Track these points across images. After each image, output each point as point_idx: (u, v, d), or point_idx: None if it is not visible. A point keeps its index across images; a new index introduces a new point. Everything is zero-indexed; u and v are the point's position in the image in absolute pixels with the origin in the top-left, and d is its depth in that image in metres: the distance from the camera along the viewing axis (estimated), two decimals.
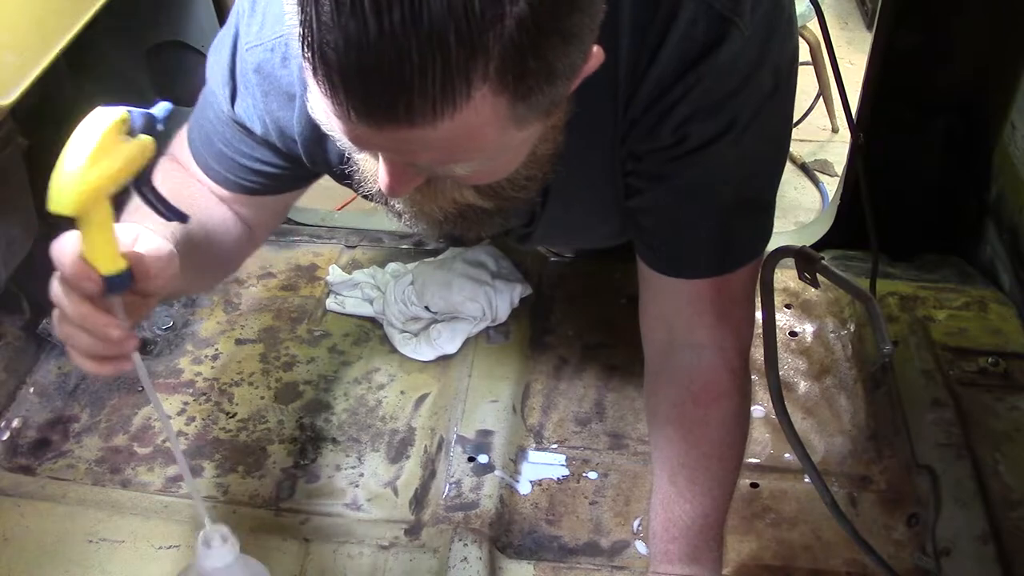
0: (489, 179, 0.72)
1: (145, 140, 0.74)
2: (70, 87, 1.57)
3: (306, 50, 0.57)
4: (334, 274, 1.54)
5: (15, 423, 1.33)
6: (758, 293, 0.97)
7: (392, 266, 1.54)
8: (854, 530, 0.98)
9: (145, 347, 1.46)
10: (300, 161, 0.95)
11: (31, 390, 1.39)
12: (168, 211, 0.75)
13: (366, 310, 1.48)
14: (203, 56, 1.55)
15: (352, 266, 1.59)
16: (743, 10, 0.79)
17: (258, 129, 0.93)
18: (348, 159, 0.78)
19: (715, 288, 0.94)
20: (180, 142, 1.03)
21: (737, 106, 0.82)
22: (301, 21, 0.56)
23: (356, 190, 0.84)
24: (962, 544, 1.06)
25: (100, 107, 0.75)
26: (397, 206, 0.80)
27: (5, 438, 1.31)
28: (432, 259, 1.51)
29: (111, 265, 0.70)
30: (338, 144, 0.72)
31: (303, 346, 1.46)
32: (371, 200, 0.85)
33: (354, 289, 1.51)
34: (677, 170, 0.85)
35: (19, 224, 1.49)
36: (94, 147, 0.72)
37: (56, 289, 0.70)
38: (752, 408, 1.32)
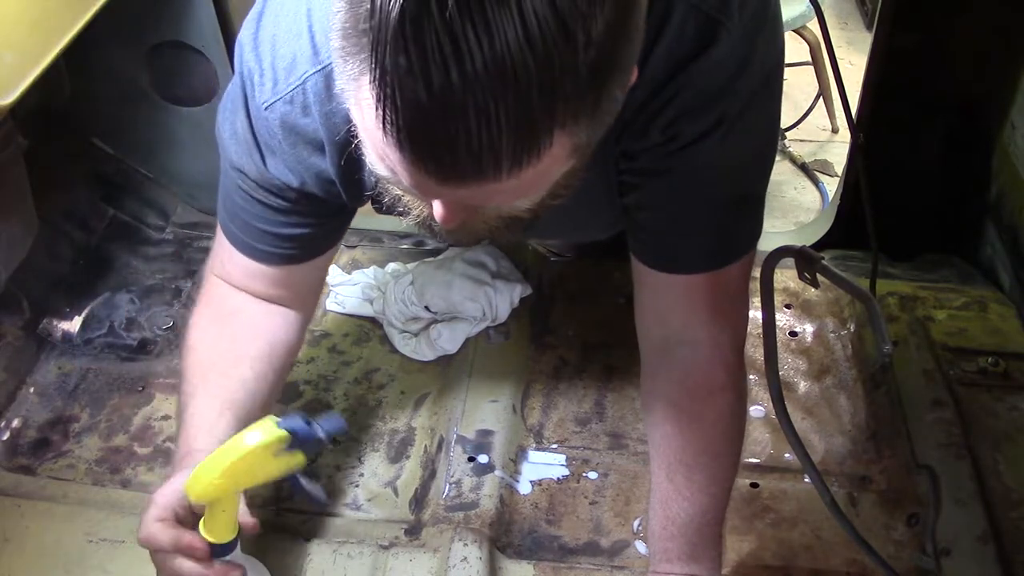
0: (529, 199, 0.71)
1: (298, 458, 0.82)
2: (70, 87, 1.58)
3: (379, 104, 0.55)
4: (334, 274, 1.54)
5: (15, 423, 1.33)
6: (758, 293, 0.97)
7: (392, 266, 1.54)
8: (854, 530, 0.98)
9: (145, 347, 1.46)
10: (336, 208, 0.95)
11: (31, 390, 1.39)
12: (310, 499, 0.90)
13: (366, 310, 1.48)
14: (203, 56, 1.56)
15: (352, 266, 1.59)
16: (731, 11, 0.80)
17: (295, 182, 0.91)
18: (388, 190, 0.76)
19: (709, 283, 0.94)
20: (218, 250, 1.03)
21: (726, 103, 0.83)
22: (372, 69, 0.54)
23: (395, 214, 0.83)
24: (962, 544, 1.07)
25: (273, 419, 0.82)
26: (440, 230, 0.77)
27: (5, 438, 1.31)
28: (432, 259, 1.51)
29: (224, 536, 0.84)
30: (391, 188, 0.72)
31: (303, 346, 1.46)
32: (411, 223, 0.82)
33: (354, 289, 1.51)
34: (669, 166, 0.87)
35: (19, 224, 1.49)
36: (234, 460, 0.80)
37: (159, 539, 0.83)
38: (752, 408, 1.33)
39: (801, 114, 3.34)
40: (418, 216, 0.76)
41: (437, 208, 0.67)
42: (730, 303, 0.98)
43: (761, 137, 0.92)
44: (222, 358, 1.00)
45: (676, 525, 0.99)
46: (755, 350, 1.42)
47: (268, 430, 0.80)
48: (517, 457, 1.25)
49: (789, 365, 1.40)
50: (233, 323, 1.02)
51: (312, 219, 0.97)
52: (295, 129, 0.87)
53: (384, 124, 0.56)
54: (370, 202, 0.96)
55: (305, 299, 1.08)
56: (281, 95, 0.86)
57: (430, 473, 1.24)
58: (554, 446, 1.28)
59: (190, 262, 1.64)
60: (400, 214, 0.79)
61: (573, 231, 1.27)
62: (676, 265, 0.94)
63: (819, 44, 2.97)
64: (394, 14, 0.52)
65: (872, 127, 1.49)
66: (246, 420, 0.92)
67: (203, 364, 0.99)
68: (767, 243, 1.67)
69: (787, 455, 1.26)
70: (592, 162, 0.72)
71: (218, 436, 0.90)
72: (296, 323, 1.07)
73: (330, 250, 1.04)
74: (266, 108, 0.87)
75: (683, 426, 0.98)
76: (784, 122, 3.34)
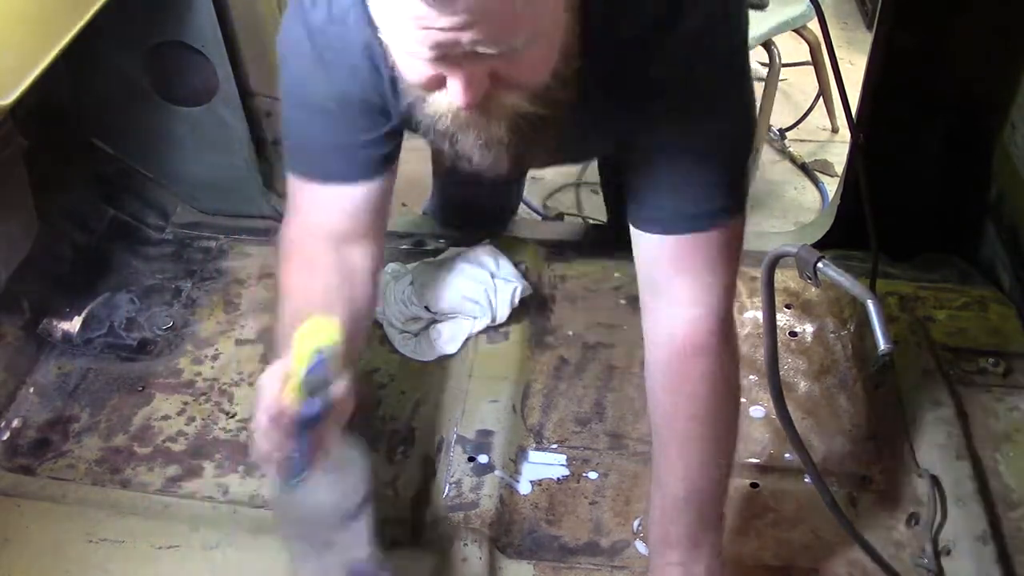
0: (535, 73, 0.79)
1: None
2: (70, 87, 1.58)
3: None
4: None
5: (15, 423, 1.33)
6: (759, 293, 0.97)
7: (392, 266, 1.54)
8: (854, 530, 0.97)
9: (145, 347, 1.46)
10: (393, 124, 1.01)
11: (31, 390, 1.39)
12: None
13: None
14: (203, 56, 1.56)
15: None
16: None
17: (357, 92, 0.97)
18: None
19: (692, 247, 0.98)
20: (292, 208, 1.08)
21: (701, 76, 0.89)
22: None
23: (428, 136, 0.90)
24: (962, 544, 1.06)
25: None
26: (466, 142, 0.85)
27: (5, 438, 1.31)
28: (432, 259, 1.51)
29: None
30: (413, 88, 0.81)
31: None
32: (439, 147, 0.90)
33: None
34: (651, 130, 0.93)
35: (19, 224, 1.50)
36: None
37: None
38: (752, 408, 1.33)
39: (801, 114, 3.34)
40: (444, 114, 0.81)
41: (455, 89, 0.75)
42: (715, 267, 1.00)
43: (738, 112, 0.98)
44: (314, 304, 1.04)
45: (675, 506, 1.01)
46: (755, 350, 1.42)
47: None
48: (517, 457, 1.25)
49: (789, 365, 1.40)
50: (320, 270, 1.06)
51: (375, 131, 1.02)
52: (350, 45, 0.93)
53: None
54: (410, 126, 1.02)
55: (378, 228, 1.11)
56: (334, 17, 0.93)
57: (430, 473, 1.24)
58: (554, 446, 1.28)
59: (190, 262, 1.64)
60: (427, 135, 0.87)
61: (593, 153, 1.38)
62: (661, 226, 0.98)
63: (819, 44, 2.97)
64: None
65: (872, 127, 1.49)
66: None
67: (299, 311, 1.01)
68: (767, 243, 1.68)
69: (787, 455, 1.26)
70: (585, 109, 0.84)
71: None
72: (373, 259, 1.12)
73: (393, 169, 1.08)
74: (321, 24, 0.94)
75: (671, 389, 1.01)
76: (784, 122, 3.35)
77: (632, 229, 1.02)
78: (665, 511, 1.02)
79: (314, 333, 0.87)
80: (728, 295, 1.02)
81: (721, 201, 0.98)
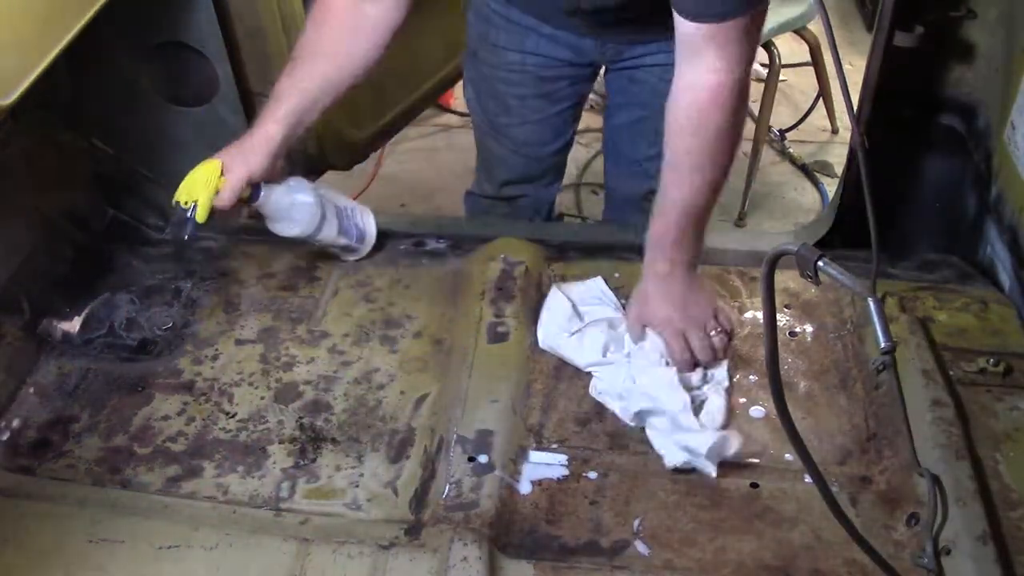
0: None
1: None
2: (71, 87, 1.58)
3: None
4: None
5: (15, 423, 1.33)
6: (759, 294, 0.97)
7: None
8: (854, 530, 0.97)
9: (145, 347, 1.46)
10: None
11: (31, 390, 1.39)
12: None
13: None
14: (203, 56, 1.56)
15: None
16: None
17: None
18: None
19: (719, 29, 1.19)
20: None
21: None
22: None
23: None
24: (962, 544, 1.06)
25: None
26: None
27: (5, 438, 1.31)
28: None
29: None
30: None
31: (303, 346, 1.46)
32: None
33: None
34: None
35: (19, 224, 1.50)
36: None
37: None
38: (752, 408, 1.33)
39: (801, 115, 3.35)
40: None
41: None
42: (740, 43, 1.21)
43: None
44: (308, 51, 1.38)
45: (676, 214, 1.28)
46: (755, 350, 1.42)
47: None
48: (517, 457, 1.25)
49: (789, 365, 1.40)
50: (331, 21, 1.36)
51: None
52: None
53: None
54: None
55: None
56: None
57: (430, 473, 1.24)
58: (554, 446, 1.28)
59: (190, 262, 1.64)
60: None
61: None
62: (692, 14, 1.20)
63: (819, 44, 2.97)
64: None
65: (872, 127, 1.49)
66: (309, 103, 1.38)
67: (294, 54, 1.37)
68: (767, 243, 1.68)
69: (787, 455, 1.25)
70: None
71: (274, 113, 1.36)
72: (388, 15, 1.38)
73: None
74: None
75: (691, 131, 1.25)
76: (784, 123, 3.36)
77: (674, 13, 1.22)
78: (666, 216, 1.30)
79: (196, 182, 1.36)
80: (748, 65, 1.24)
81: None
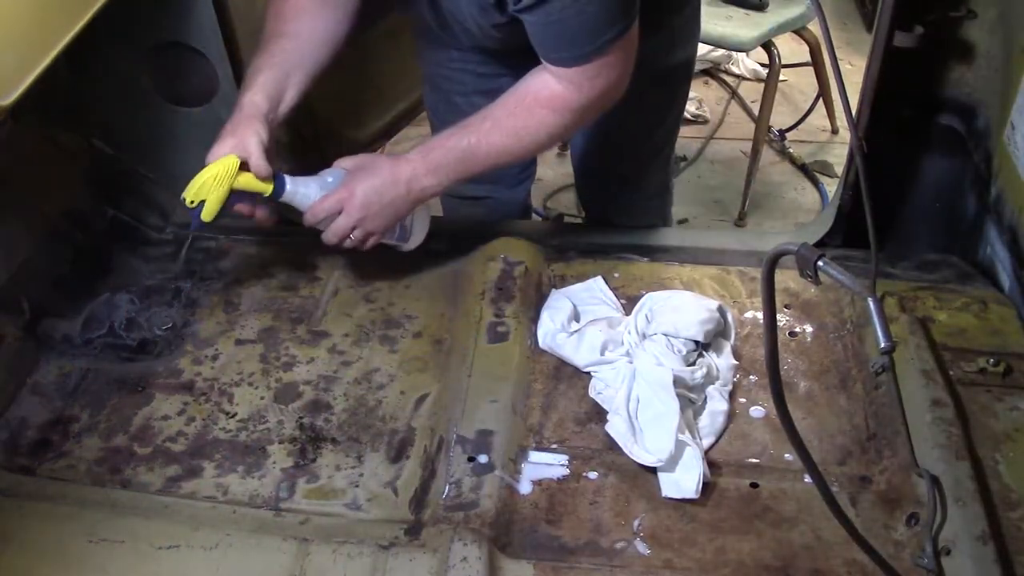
0: None
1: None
2: (70, 87, 1.58)
3: None
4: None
5: (15, 423, 1.33)
6: (759, 293, 0.97)
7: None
8: (854, 530, 0.98)
9: (145, 347, 1.46)
10: None
11: (31, 390, 1.39)
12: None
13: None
14: (203, 56, 1.56)
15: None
16: None
17: None
18: None
19: (572, 73, 1.31)
20: None
21: None
22: None
23: None
24: (962, 544, 1.06)
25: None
26: None
27: (5, 438, 1.31)
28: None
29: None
30: None
31: (303, 346, 1.46)
32: None
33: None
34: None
35: (19, 224, 1.50)
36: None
37: None
38: (752, 409, 1.33)
39: (801, 115, 3.35)
40: None
41: None
42: (587, 83, 1.32)
43: None
44: (272, 33, 1.43)
45: (456, 146, 1.37)
46: (755, 350, 1.42)
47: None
48: (517, 457, 1.25)
49: (789, 365, 1.40)
50: (286, 3, 1.43)
51: None
52: None
53: None
54: None
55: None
56: None
57: (430, 473, 1.24)
58: (554, 446, 1.28)
59: (190, 262, 1.64)
60: None
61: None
62: (544, 58, 1.32)
63: (819, 44, 2.97)
64: None
65: (872, 127, 1.49)
66: (283, 76, 1.41)
67: (263, 37, 1.43)
68: (767, 243, 1.68)
69: (787, 455, 1.25)
70: None
71: (252, 87, 1.39)
72: (334, 31, 1.46)
73: None
74: None
75: (519, 107, 1.36)
76: (784, 123, 3.35)
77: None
78: (449, 139, 1.38)
79: (207, 181, 1.33)
80: (604, 91, 1.34)
81: (580, 49, 1.28)
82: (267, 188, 1.37)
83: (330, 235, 1.41)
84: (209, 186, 1.33)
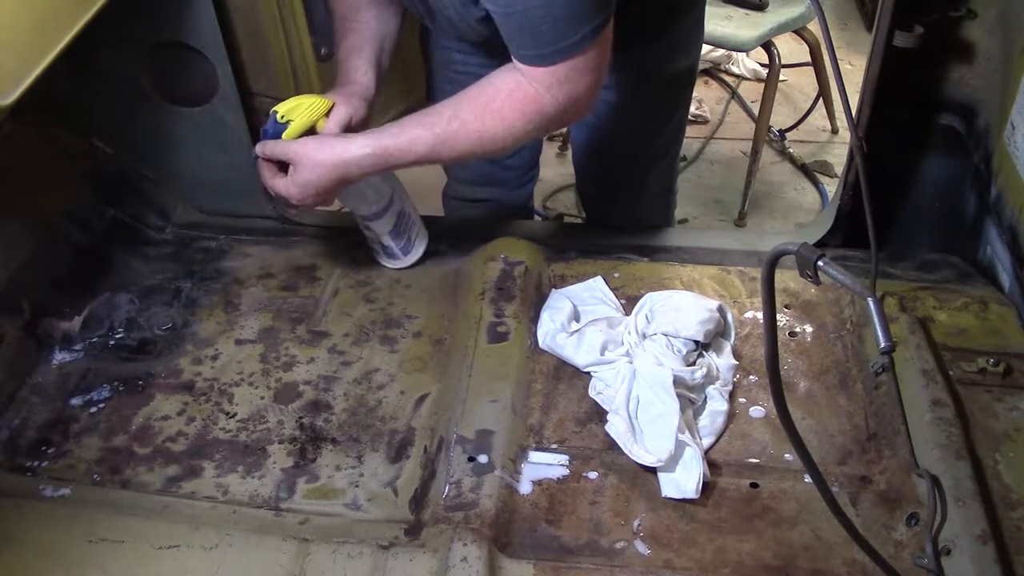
0: None
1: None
2: (70, 87, 1.58)
3: None
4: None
5: (15, 423, 1.33)
6: (759, 294, 0.97)
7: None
8: (854, 530, 0.97)
9: (145, 347, 1.46)
10: None
11: (31, 390, 1.39)
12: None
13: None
14: (203, 56, 1.56)
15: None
16: None
17: None
18: None
19: (543, 73, 1.26)
20: None
21: None
22: None
23: None
24: (962, 544, 1.06)
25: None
26: None
27: (5, 438, 1.31)
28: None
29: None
30: None
31: (303, 346, 1.46)
32: None
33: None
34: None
35: (19, 224, 1.50)
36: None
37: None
38: (752, 409, 1.33)
39: (801, 115, 3.35)
40: None
41: None
42: (556, 86, 1.27)
43: None
44: (348, 9, 1.47)
45: (414, 131, 1.32)
46: (755, 350, 1.42)
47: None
48: (517, 457, 1.25)
49: (789, 365, 1.40)
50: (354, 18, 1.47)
51: None
52: None
53: None
54: None
55: None
56: None
57: (430, 473, 1.24)
58: (554, 446, 1.28)
59: (190, 262, 1.64)
60: None
61: None
62: (514, 55, 1.28)
63: (819, 44, 2.97)
64: None
65: (872, 127, 1.49)
66: (378, 47, 1.47)
67: (338, 16, 1.48)
68: (767, 243, 1.68)
69: (787, 455, 1.26)
70: None
71: (358, 65, 1.44)
72: (395, 8, 1.48)
73: None
74: None
75: (483, 106, 1.31)
76: (784, 123, 3.36)
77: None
78: (413, 129, 1.33)
79: (302, 105, 1.39)
80: (574, 98, 1.29)
81: (546, 47, 1.23)
82: None
83: (271, 190, 1.43)
84: (302, 111, 1.37)
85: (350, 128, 1.40)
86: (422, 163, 1.37)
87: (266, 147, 1.39)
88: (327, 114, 1.39)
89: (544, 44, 1.24)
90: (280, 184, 1.38)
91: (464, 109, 1.32)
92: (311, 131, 1.39)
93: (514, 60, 1.29)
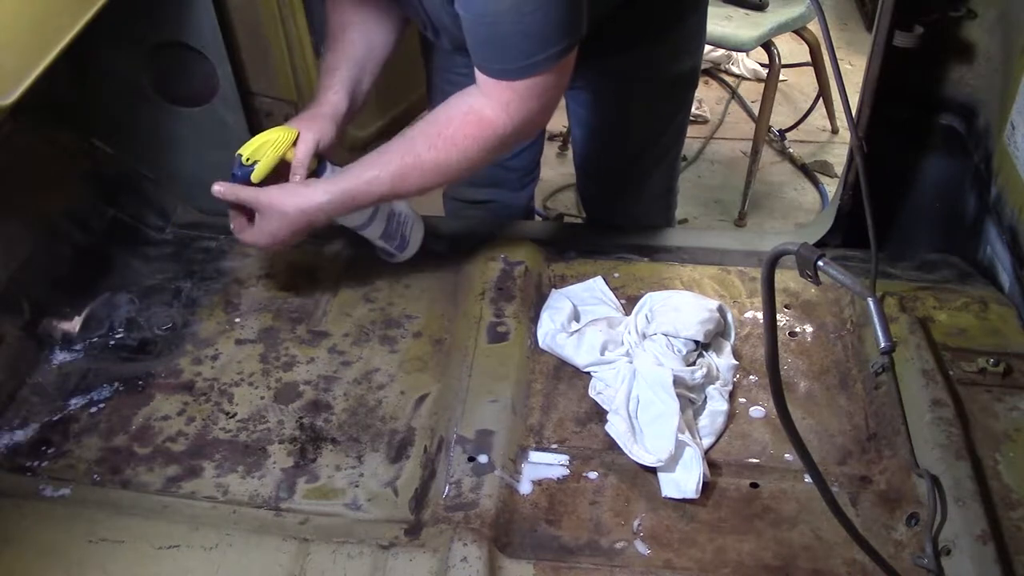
0: None
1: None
2: (70, 87, 1.58)
3: None
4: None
5: (15, 423, 1.33)
6: (759, 293, 0.97)
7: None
8: (854, 530, 0.97)
9: (145, 347, 1.46)
10: None
11: (31, 390, 1.39)
12: None
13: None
14: (203, 56, 1.56)
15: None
16: None
17: None
18: None
19: (495, 86, 1.27)
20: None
21: None
22: None
23: None
24: (962, 544, 1.06)
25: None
26: None
27: (5, 438, 1.31)
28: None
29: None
30: None
31: (303, 346, 1.46)
32: None
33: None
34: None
35: (19, 224, 1.50)
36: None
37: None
38: (752, 409, 1.33)
39: (801, 115, 3.35)
40: None
41: None
42: (514, 104, 1.28)
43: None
44: (338, 28, 1.47)
45: (372, 178, 1.34)
46: (755, 350, 1.42)
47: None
48: (517, 457, 1.25)
49: (789, 365, 1.40)
50: (347, 15, 1.47)
51: None
52: None
53: None
54: None
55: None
56: None
57: (430, 473, 1.24)
58: (554, 446, 1.28)
59: (190, 262, 1.64)
60: None
61: None
62: (475, 64, 1.28)
63: (819, 44, 2.98)
64: None
65: (872, 127, 1.49)
66: (359, 69, 1.47)
67: (328, 32, 1.47)
68: (767, 243, 1.68)
69: (787, 455, 1.26)
70: None
71: (332, 84, 1.45)
72: (392, 21, 1.49)
73: None
74: None
75: (439, 137, 1.32)
76: (784, 123, 3.36)
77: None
78: (368, 171, 1.35)
79: (266, 143, 1.38)
80: (529, 119, 1.30)
81: (514, 62, 1.24)
82: (312, 164, 1.42)
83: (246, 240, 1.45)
84: (267, 149, 1.38)
85: (319, 151, 1.42)
86: (389, 199, 1.42)
87: (227, 191, 1.40)
88: (294, 144, 1.40)
89: (510, 59, 1.24)
90: (248, 235, 1.41)
91: (418, 142, 1.34)
92: (281, 165, 1.40)
93: (475, 71, 1.29)
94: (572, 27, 1.22)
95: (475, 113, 1.30)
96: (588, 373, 1.37)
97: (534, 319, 1.46)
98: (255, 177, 1.38)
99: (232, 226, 1.43)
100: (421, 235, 1.59)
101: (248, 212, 1.41)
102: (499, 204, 1.85)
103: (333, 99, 1.45)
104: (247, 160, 1.38)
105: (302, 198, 1.36)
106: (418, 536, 1.13)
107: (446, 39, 1.44)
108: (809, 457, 0.92)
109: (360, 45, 1.47)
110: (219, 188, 1.40)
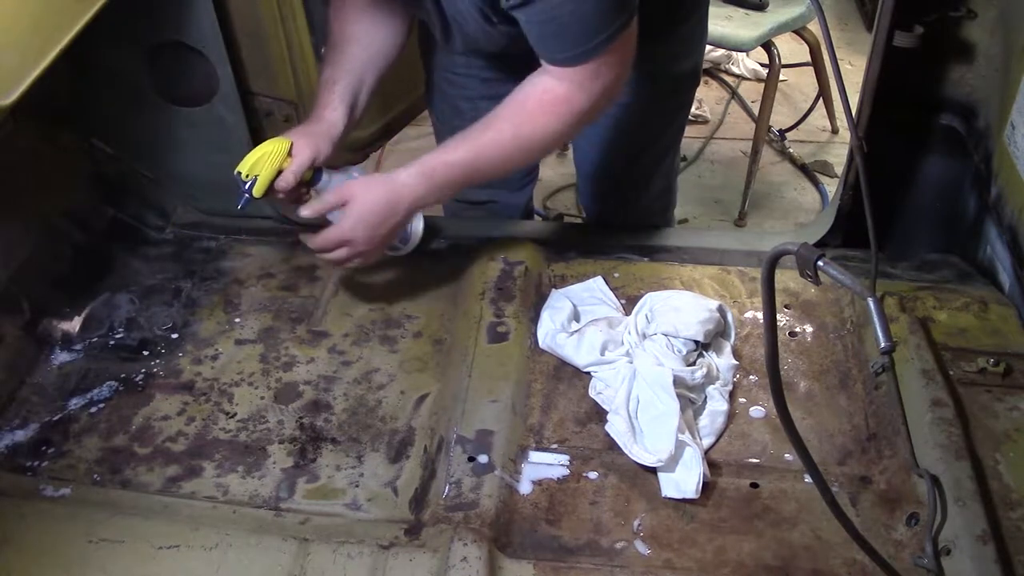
0: None
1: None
2: (70, 87, 1.58)
3: None
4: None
5: (15, 423, 1.33)
6: (759, 293, 0.97)
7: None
8: (854, 530, 0.97)
9: (145, 347, 1.46)
10: None
11: (31, 390, 1.39)
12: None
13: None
14: (203, 56, 1.56)
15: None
16: None
17: None
18: None
19: (572, 73, 1.29)
20: None
21: None
22: None
23: None
24: (962, 544, 1.06)
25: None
26: None
27: (5, 438, 1.31)
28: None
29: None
30: None
31: (303, 346, 1.46)
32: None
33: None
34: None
35: (19, 224, 1.50)
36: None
37: None
38: (752, 409, 1.33)
39: (801, 115, 3.35)
40: None
41: None
42: (588, 83, 1.30)
43: None
44: (338, 40, 1.47)
45: (455, 158, 1.36)
46: (755, 350, 1.42)
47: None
48: (517, 457, 1.25)
49: (789, 365, 1.40)
50: (346, 15, 1.46)
51: None
52: None
53: None
54: None
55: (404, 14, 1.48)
56: None
57: (430, 473, 1.24)
58: (554, 446, 1.28)
59: (190, 262, 1.64)
60: None
61: None
62: (544, 59, 1.31)
63: (819, 45, 2.97)
64: None
65: (872, 127, 1.49)
66: (357, 82, 1.47)
67: (328, 43, 1.48)
68: (767, 243, 1.68)
69: (787, 455, 1.26)
70: None
71: (330, 99, 1.44)
72: (395, 29, 1.49)
73: None
74: None
75: (518, 116, 1.34)
76: (784, 123, 3.35)
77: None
78: (450, 154, 1.37)
79: (262, 157, 1.38)
80: (604, 93, 1.33)
81: (579, 48, 1.26)
82: (307, 175, 1.42)
83: (330, 259, 1.42)
84: (263, 163, 1.37)
85: (314, 166, 1.41)
86: (472, 177, 1.39)
87: (312, 209, 1.40)
88: (289, 152, 1.39)
89: (573, 46, 1.27)
90: (334, 233, 1.38)
91: (497, 119, 1.36)
92: (279, 175, 1.39)
93: (544, 64, 1.31)
94: (626, 1, 1.26)
95: (550, 92, 1.32)
96: (588, 373, 1.37)
97: (534, 319, 1.46)
98: (256, 192, 1.37)
99: (310, 244, 1.41)
100: (421, 227, 1.59)
101: (323, 226, 1.40)
102: (499, 204, 1.85)
103: (330, 117, 1.44)
104: (246, 176, 1.37)
105: (384, 177, 1.38)
106: (418, 536, 1.13)
107: (459, 40, 1.44)
108: (809, 457, 0.92)
109: (361, 59, 1.47)
110: (306, 212, 1.41)
